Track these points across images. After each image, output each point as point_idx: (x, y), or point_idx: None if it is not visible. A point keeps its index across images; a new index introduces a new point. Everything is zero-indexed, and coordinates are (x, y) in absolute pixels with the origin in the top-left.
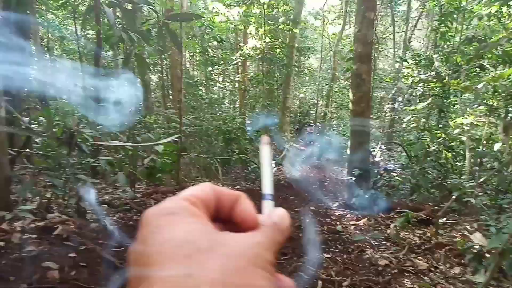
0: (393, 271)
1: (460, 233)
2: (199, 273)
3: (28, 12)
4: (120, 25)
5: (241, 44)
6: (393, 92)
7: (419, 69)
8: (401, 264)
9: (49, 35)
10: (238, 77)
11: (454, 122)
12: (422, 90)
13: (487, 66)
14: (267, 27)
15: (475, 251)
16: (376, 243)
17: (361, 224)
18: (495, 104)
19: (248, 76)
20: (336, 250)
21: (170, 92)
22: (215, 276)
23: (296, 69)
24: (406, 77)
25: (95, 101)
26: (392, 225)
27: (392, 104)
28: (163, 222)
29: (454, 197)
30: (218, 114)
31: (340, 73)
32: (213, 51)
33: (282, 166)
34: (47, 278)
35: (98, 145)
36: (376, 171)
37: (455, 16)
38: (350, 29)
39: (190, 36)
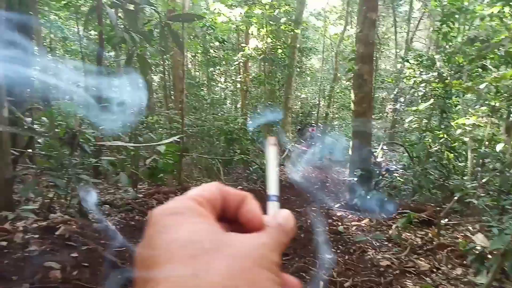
0: (395, 272)
1: (462, 234)
2: (205, 273)
3: (30, 12)
4: (122, 26)
5: (243, 45)
6: (395, 92)
7: (421, 70)
8: (403, 265)
9: (52, 35)
10: (240, 77)
11: (456, 123)
12: (424, 90)
13: (489, 66)
14: (269, 28)
15: (477, 252)
16: (378, 243)
17: (363, 224)
18: (497, 104)
19: (250, 77)
20: (338, 251)
21: (172, 92)
22: (221, 277)
23: (298, 69)
24: (408, 77)
25: (97, 101)
26: (394, 226)
27: (394, 104)
28: (169, 222)
29: (456, 198)
30: (220, 115)
31: (341, 74)
32: (215, 51)
33: (284, 166)
34: (49, 277)
35: (100, 145)
36: (378, 172)
37: (457, 16)
38: (351, 29)
39: (192, 37)
